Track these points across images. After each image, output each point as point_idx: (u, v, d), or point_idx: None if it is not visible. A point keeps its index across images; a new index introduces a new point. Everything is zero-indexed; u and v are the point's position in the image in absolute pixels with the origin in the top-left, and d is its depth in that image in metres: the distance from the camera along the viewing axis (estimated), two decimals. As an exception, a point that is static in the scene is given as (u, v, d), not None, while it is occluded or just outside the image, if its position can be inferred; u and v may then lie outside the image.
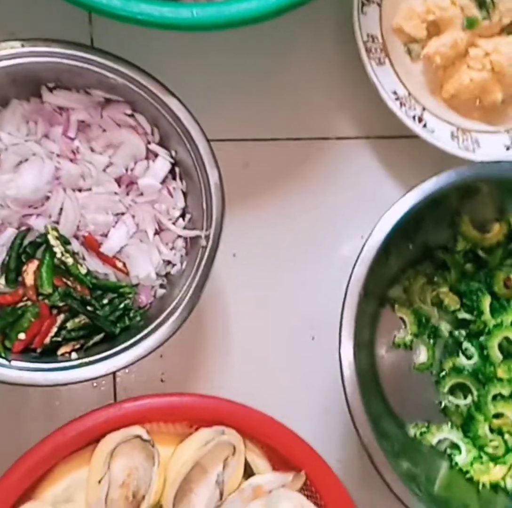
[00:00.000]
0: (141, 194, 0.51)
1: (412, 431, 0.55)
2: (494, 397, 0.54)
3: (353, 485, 0.49)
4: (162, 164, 0.51)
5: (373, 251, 0.49)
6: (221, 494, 0.46)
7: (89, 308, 0.50)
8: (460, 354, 0.56)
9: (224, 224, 0.49)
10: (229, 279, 0.57)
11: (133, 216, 0.51)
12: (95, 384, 0.56)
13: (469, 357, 0.56)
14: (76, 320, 0.51)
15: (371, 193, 0.59)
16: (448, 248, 0.58)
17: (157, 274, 0.52)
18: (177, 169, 0.52)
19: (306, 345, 0.57)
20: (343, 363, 0.48)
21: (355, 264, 0.49)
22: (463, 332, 0.57)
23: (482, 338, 0.55)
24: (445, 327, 0.58)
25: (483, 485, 0.53)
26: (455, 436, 0.55)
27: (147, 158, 0.52)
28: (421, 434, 0.55)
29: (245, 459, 0.47)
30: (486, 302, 0.56)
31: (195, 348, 0.56)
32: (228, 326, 0.57)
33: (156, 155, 0.51)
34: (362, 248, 0.49)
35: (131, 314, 0.51)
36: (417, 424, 0.56)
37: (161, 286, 0.53)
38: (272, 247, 0.58)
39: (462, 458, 0.54)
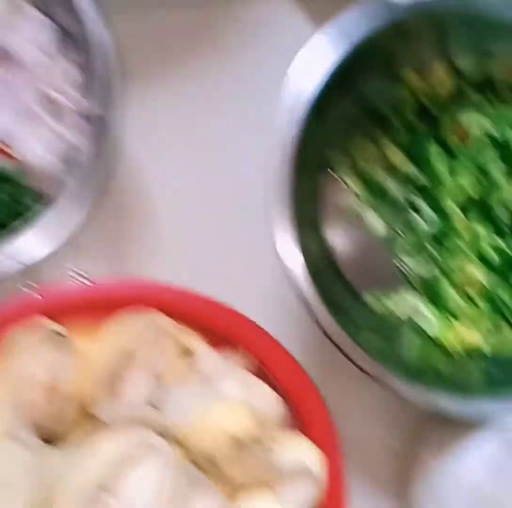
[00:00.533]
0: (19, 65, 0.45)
1: (372, 301, 0.51)
2: (457, 255, 0.51)
3: (316, 372, 0.46)
4: (37, 29, 0.45)
5: (301, 108, 0.44)
6: (156, 380, 0.41)
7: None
8: (416, 215, 0.52)
9: (133, 99, 0.46)
10: (147, 158, 0.51)
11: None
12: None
13: (424, 217, 0.51)
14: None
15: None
16: (393, 101, 0.52)
17: (63, 162, 0.47)
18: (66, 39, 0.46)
19: (240, 222, 0.52)
20: (278, 241, 0.43)
21: (281, 126, 0.43)
22: (416, 192, 0.52)
23: (437, 195, 0.50)
24: (396, 188, 0.53)
25: (455, 350, 0.49)
26: (419, 301, 0.51)
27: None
28: (383, 303, 0.51)
29: (181, 342, 0.42)
30: (437, 156, 0.50)
31: (116, 235, 0.51)
32: (151, 209, 0.51)
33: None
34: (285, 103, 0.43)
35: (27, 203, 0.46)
36: (377, 293, 0.52)
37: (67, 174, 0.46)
38: (190, 119, 0.52)
39: (428, 324, 0.50)
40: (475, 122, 0.50)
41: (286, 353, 0.42)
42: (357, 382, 0.46)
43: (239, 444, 0.37)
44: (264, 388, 0.41)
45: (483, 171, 0.50)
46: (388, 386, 0.43)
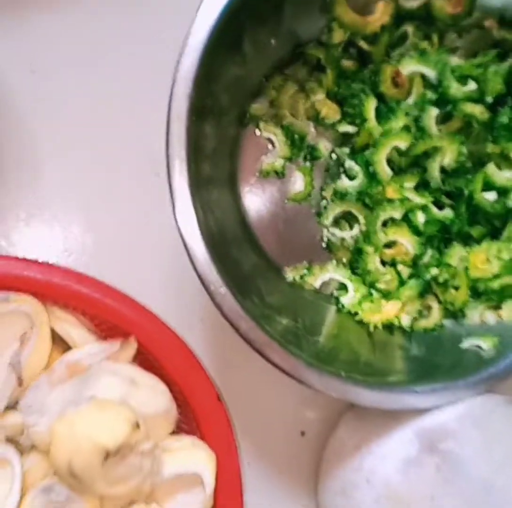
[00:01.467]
0: None
1: (290, 275, 0.46)
2: (385, 223, 0.44)
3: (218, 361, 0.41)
4: None
5: (201, 44, 0.36)
6: (20, 379, 0.35)
7: None
8: (343, 176, 0.46)
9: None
10: (34, 104, 0.43)
11: None
12: None
13: (352, 178, 0.45)
14: None
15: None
16: (322, 42, 0.45)
17: None
18: None
19: (134, 180, 0.45)
20: (177, 205, 0.36)
21: (178, 65, 0.36)
22: (346, 150, 0.46)
23: (367, 153, 0.44)
24: (324, 145, 0.46)
25: (375, 326, 0.45)
26: (342, 274, 0.46)
27: None
28: (301, 277, 0.46)
29: (57, 333, 0.37)
30: (371, 105, 0.44)
31: None
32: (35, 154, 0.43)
33: None
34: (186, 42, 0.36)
35: None
36: (296, 266, 0.46)
37: None
38: (79, 59, 0.44)
39: (349, 298, 0.45)
40: (413, 66, 0.43)
41: (182, 344, 0.37)
42: (264, 372, 0.41)
43: (112, 454, 0.33)
44: (153, 385, 0.36)
45: (416, 120, 0.43)
46: (297, 378, 0.38)
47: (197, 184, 0.38)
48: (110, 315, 0.36)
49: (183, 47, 0.37)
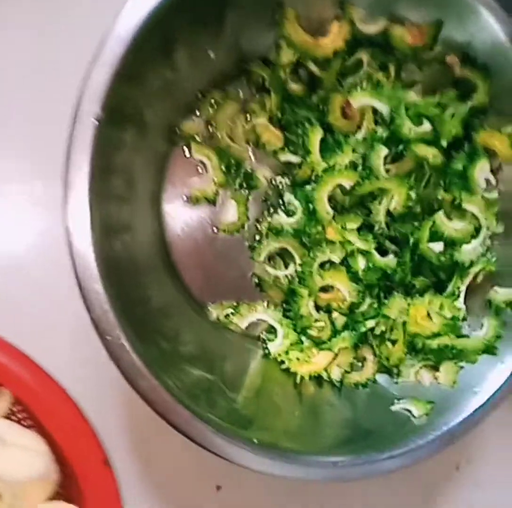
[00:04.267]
0: None
1: (214, 313, 0.41)
2: (322, 266, 0.41)
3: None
4: None
5: (125, 39, 0.31)
6: None
7: None
8: (280, 210, 0.41)
9: None
10: None
11: None
12: None
13: (291, 214, 0.41)
14: None
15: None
16: (269, 61, 0.40)
17: None
18: None
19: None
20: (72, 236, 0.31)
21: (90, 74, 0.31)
22: (286, 181, 0.42)
23: (308, 188, 0.40)
24: (262, 174, 0.42)
25: (302, 378, 0.41)
26: (272, 317, 0.41)
27: None
28: (227, 316, 0.42)
29: None
30: (316, 136, 0.40)
31: None
32: None
33: None
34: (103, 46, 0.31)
35: None
36: (222, 304, 0.42)
37: None
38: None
39: (277, 344, 0.41)
40: (365, 99, 0.39)
41: (67, 400, 0.32)
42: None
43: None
44: (29, 445, 0.31)
45: (363, 158, 0.39)
46: (204, 446, 0.33)
47: (100, 199, 0.32)
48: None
49: (103, 42, 0.32)
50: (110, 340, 0.31)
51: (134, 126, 0.36)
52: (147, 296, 0.36)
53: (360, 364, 0.42)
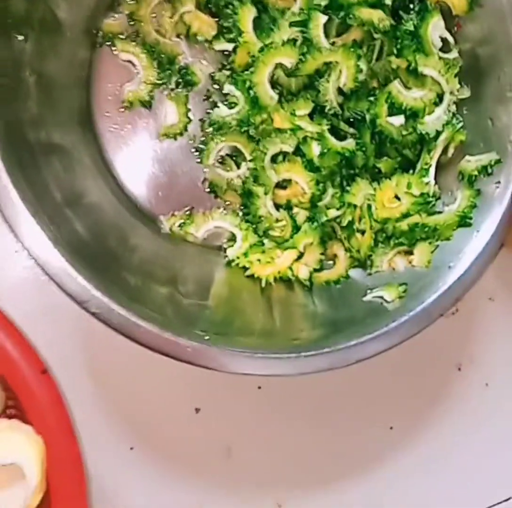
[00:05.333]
0: None
1: (167, 225, 0.38)
2: (275, 159, 0.38)
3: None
4: None
5: None
6: None
7: None
8: (221, 103, 0.38)
9: None
10: None
11: None
12: None
13: (233, 105, 0.38)
14: None
15: None
16: None
17: None
18: None
19: None
20: None
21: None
22: (225, 73, 0.38)
23: (246, 73, 0.37)
24: (200, 68, 0.38)
25: (269, 282, 0.38)
26: (230, 222, 0.38)
27: None
28: (181, 226, 0.39)
29: None
30: (248, 15, 0.36)
31: None
32: None
33: None
34: None
35: None
36: (174, 215, 0.39)
37: None
38: None
39: (236, 249, 0.38)
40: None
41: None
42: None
43: None
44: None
45: (303, 32, 0.36)
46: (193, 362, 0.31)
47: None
48: None
49: None
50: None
51: (44, 31, 0.33)
52: (95, 221, 0.34)
53: (331, 262, 0.39)
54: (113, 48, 0.37)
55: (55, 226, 0.29)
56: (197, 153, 0.39)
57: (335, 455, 0.41)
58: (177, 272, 0.37)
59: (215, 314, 0.36)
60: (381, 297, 0.35)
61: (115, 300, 0.31)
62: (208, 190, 0.39)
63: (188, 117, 0.38)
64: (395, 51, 0.36)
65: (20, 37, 0.31)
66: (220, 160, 0.39)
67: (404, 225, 0.36)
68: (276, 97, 0.36)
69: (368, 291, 0.36)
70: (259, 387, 0.40)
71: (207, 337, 0.31)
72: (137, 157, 0.38)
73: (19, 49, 0.31)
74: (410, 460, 0.42)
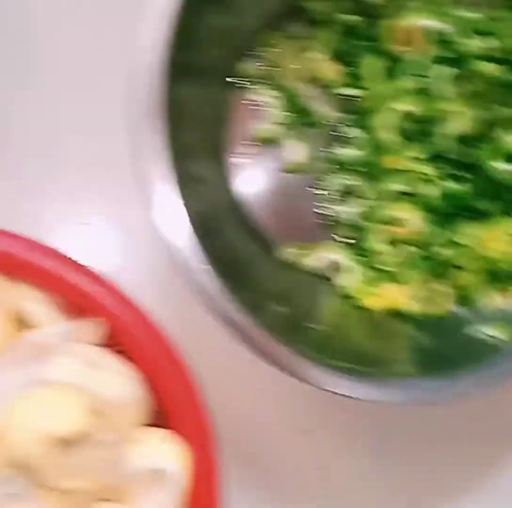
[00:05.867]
0: None
1: (285, 254, 0.41)
2: (390, 198, 0.40)
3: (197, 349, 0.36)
4: None
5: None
6: None
7: None
8: (344, 144, 0.41)
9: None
10: None
11: None
12: None
13: (354, 146, 0.40)
14: None
15: None
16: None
17: None
18: None
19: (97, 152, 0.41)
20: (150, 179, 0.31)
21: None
22: (349, 115, 0.41)
23: (370, 118, 0.40)
24: (324, 110, 0.42)
25: (378, 313, 0.40)
26: (341, 254, 0.41)
27: None
28: (297, 256, 0.41)
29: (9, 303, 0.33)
30: (375, 65, 0.39)
31: None
32: None
33: None
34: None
35: None
36: (291, 245, 0.42)
37: None
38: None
39: (349, 281, 0.40)
40: (424, 19, 0.38)
41: (150, 324, 0.33)
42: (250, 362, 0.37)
43: (65, 445, 0.29)
44: (121, 369, 0.32)
45: (426, 82, 0.38)
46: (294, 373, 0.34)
47: (173, 154, 0.33)
48: (72, 289, 0.33)
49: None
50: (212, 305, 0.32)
51: (196, 74, 0.37)
52: (225, 242, 0.37)
53: (436, 296, 0.41)
54: (247, 89, 0.41)
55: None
56: (315, 188, 0.42)
57: (440, 488, 0.42)
58: (291, 297, 0.40)
59: (325, 338, 0.38)
60: (489, 334, 0.36)
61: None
62: (323, 223, 0.42)
63: (311, 155, 0.41)
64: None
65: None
66: (336, 195, 0.42)
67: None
68: (398, 141, 0.39)
69: (475, 327, 0.38)
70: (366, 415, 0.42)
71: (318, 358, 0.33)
72: (261, 190, 0.42)
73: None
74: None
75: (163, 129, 0.33)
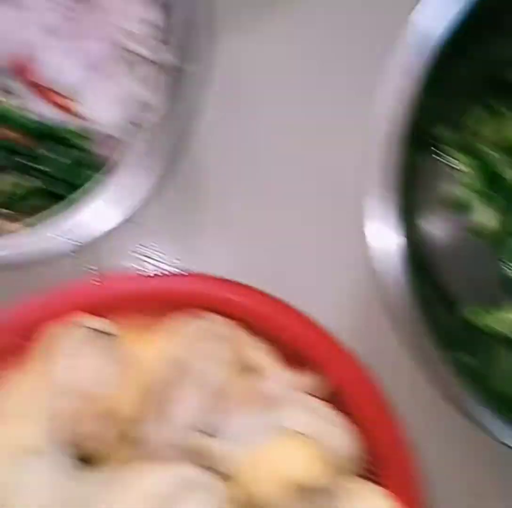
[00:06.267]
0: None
1: (468, 313, 0.43)
2: None
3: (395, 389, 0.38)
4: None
5: (413, 75, 0.34)
6: (211, 400, 0.34)
7: (40, 166, 0.40)
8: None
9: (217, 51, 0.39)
10: (227, 123, 0.42)
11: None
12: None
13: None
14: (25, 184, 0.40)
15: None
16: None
17: (131, 123, 0.40)
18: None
19: (326, 211, 0.44)
20: (371, 235, 0.34)
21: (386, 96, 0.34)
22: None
23: None
24: (514, 177, 0.43)
25: None
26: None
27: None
28: (479, 317, 0.43)
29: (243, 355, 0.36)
30: None
31: (183, 216, 0.43)
32: (226, 187, 0.43)
33: None
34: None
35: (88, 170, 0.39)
36: (474, 305, 0.43)
37: (134, 136, 0.39)
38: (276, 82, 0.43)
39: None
40: None
41: (367, 380, 0.35)
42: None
43: (302, 492, 0.31)
44: (338, 422, 0.34)
45: None
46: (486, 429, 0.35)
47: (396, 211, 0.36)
48: (296, 341, 0.35)
49: (387, 80, 0.35)
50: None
51: (412, 142, 0.38)
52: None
53: None
54: (441, 154, 0.43)
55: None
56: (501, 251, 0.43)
57: None
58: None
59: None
60: None
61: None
62: (506, 285, 0.44)
63: (498, 219, 0.43)
64: None
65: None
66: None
67: None
68: None
69: None
70: None
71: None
72: (446, 250, 0.44)
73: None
74: None
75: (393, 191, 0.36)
